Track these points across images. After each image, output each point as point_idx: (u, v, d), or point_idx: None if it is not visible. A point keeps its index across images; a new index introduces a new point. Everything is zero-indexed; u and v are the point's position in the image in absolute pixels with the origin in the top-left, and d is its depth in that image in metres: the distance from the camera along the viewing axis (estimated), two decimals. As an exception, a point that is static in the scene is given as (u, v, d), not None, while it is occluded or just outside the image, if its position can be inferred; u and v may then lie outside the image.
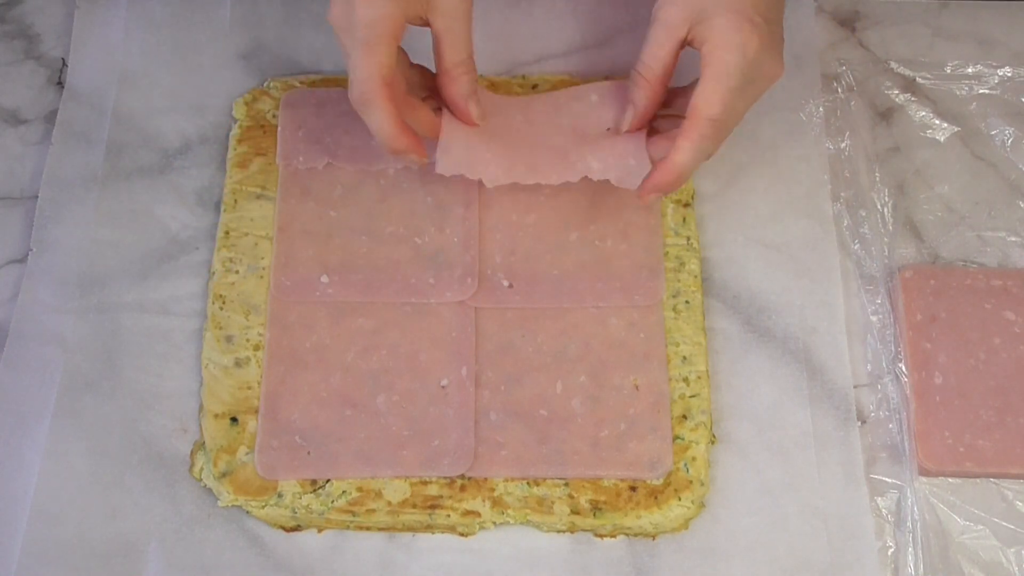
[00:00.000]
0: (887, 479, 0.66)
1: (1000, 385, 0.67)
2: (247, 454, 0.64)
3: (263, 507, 0.63)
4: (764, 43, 0.60)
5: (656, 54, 0.63)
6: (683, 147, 0.61)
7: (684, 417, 0.65)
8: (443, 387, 0.66)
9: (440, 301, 0.68)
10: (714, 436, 0.66)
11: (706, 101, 0.60)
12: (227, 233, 0.70)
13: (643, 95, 0.65)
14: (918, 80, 0.77)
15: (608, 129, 0.69)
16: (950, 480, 0.66)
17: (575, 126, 0.70)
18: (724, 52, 0.60)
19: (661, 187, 0.62)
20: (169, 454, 0.65)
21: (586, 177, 0.71)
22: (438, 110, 0.66)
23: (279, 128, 0.73)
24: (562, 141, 0.70)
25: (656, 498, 0.63)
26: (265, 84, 0.76)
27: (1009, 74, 0.77)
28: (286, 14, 0.78)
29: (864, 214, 0.73)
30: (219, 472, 0.64)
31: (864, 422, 0.67)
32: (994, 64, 0.78)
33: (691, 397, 0.66)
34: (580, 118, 0.70)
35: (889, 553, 0.64)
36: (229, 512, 0.64)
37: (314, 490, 0.63)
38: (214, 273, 0.69)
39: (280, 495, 0.63)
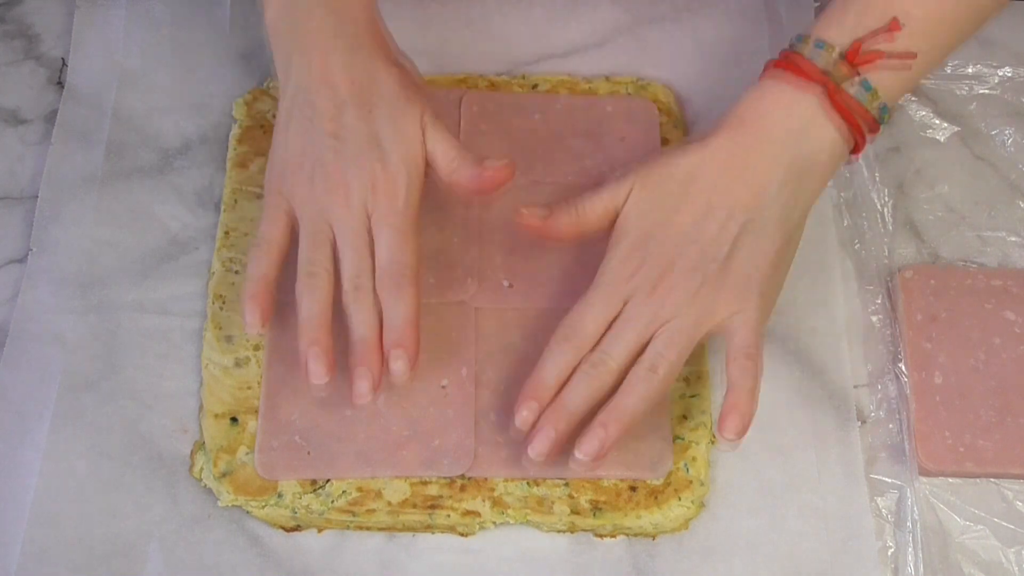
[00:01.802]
0: (887, 479, 0.66)
1: (1000, 385, 0.67)
2: (247, 454, 0.64)
3: (263, 507, 0.63)
4: (636, 273, 0.61)
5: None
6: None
7: (684, 417, 0.65)
8: (443, 387, 0.66)
9: (440, 301, 0.68)
10: (714, 436, 0.66)
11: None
12: (227, 233, 0.70)
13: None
14: (918, 80, 0.77)
15: (622, 139, 0.71)
16: (950, 480, 0.66)
17: (591, 131, 0.72)
18: None
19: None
20: (169, 454, 0.65)
21: (587, 178, 0.71)
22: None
23: (279, 128, 0.73)
24: (579, 144, 0.72)
25: (656, 498, 0.63)
26: (265, 84, 0.76)
27: (1009, 74, 0.77)
28: (286, 14, 0.78)
29: (864, 214, 0.73)
30: (219, 472, 0.64)
31: (864, 422, 0.67)
32: (994, 64, 0.78)
33: (691, 397, 0.66)
34: (596, 124, 0.72)
35: (889, 553, 0.64)
36: (229, 512, 0.64)
37: (314, 490, 0.63)
38: (214, 273, 0.69)
39: (280, 495, 0.63)
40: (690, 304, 0.59)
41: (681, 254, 0.60)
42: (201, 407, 0.66)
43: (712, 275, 0.59)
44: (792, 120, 0.61)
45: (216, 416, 0.65)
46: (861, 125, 0.61)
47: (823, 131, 0.61)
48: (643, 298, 0.60)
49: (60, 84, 0.77)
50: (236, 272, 0.69)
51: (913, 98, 0.77)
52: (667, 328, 0.59)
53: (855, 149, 0.62)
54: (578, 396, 0.59)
